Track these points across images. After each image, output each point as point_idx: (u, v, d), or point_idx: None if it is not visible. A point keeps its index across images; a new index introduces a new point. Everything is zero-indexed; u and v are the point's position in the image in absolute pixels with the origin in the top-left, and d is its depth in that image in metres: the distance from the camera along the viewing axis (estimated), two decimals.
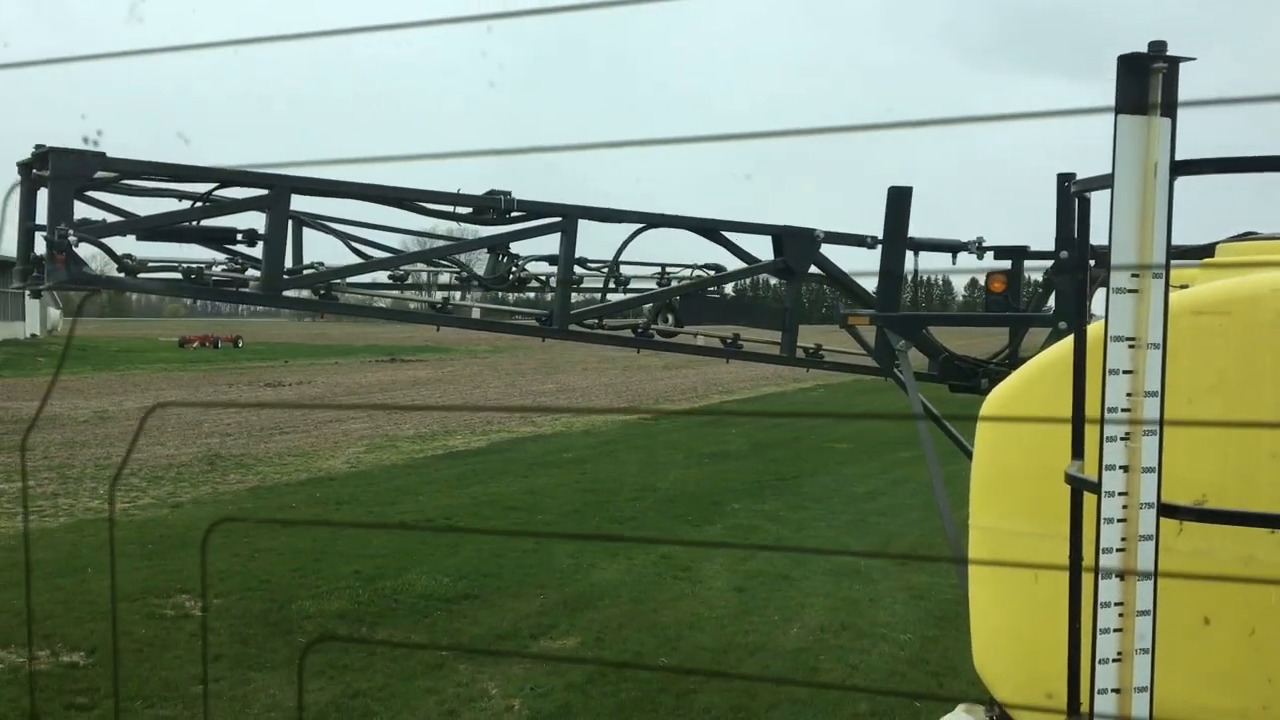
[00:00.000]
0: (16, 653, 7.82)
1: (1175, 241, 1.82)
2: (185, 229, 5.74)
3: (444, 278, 6.81)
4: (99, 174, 5.31)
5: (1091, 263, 4.55)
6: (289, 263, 6.02)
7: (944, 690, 7.31)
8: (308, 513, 13.40)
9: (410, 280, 6.68)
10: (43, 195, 5.28)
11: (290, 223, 5.91)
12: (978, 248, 6.83)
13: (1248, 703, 2.69)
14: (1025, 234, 6.51)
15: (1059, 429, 2.14)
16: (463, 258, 6.73)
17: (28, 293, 5.73)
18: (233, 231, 5.82)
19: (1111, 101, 1.78)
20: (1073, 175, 5.11)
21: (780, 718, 6.91)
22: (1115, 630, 1.86)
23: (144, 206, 5.70)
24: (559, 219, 6.20)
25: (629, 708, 7.00)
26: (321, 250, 6.36)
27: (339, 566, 10.33)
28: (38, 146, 5.26)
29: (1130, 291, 1.82)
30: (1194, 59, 1.80)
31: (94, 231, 5.28)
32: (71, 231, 5.12)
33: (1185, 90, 1.78)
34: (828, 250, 6.71)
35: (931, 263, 6.82)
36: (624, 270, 7.26)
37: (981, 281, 6.80)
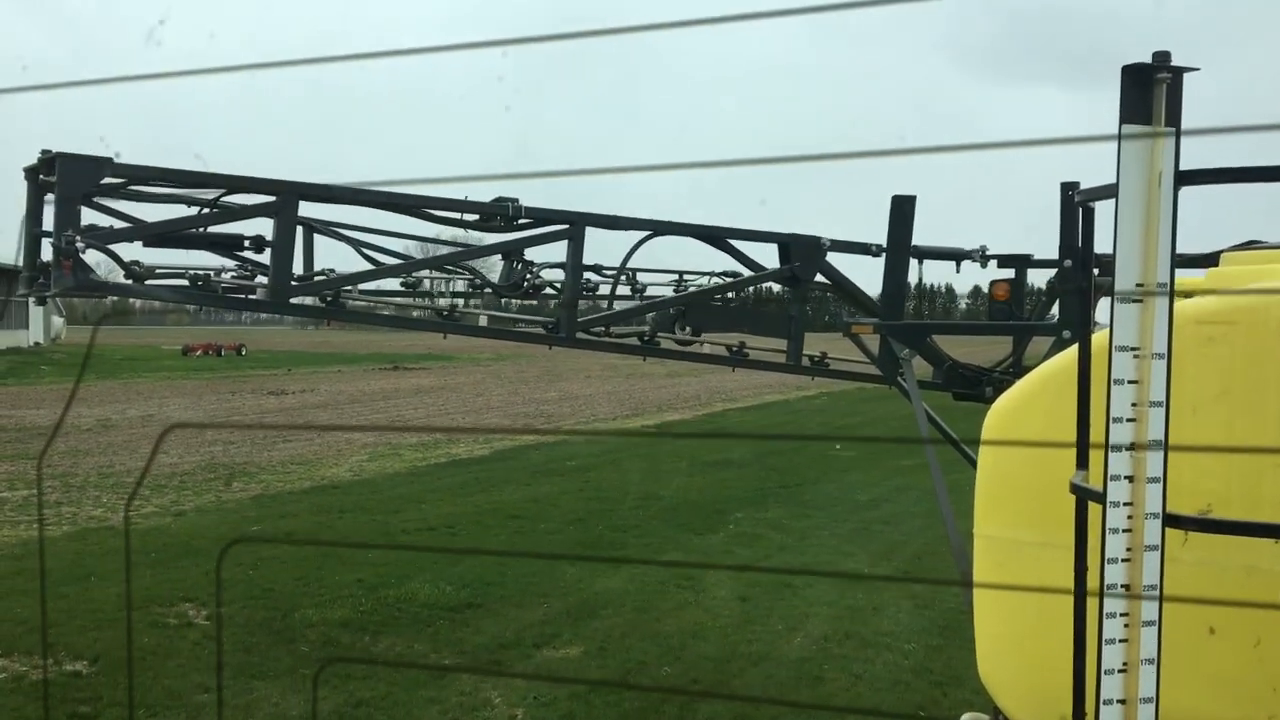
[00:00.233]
0: (19, 661, 7.83)
1: (1180, 250, 1.82)
2: (193, 235, 5.73)
3: (457, 285, 6.82)
4: (106, 180, 5.31)
5: (1096, 271, 4.57)
6: (300, 270, 6.02)
7: (948, 699, 7.29)
8: (311, 521, 13.39)
9: (423, 287, 6.67)
10: (49, 201, 5.28)
11: (301, 229, 5.90)
12: (981, 256, 6.83)
13: (1253, 713, 2.68)
14: (1032, 242, 6.52)
15: (1064, 438, 2.14)
16: (474, 264, 6.74)
17: (32, 300, 5.71)
18: (240, 238, 5.82)
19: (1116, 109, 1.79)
20: (1077, 184, 5.11)
21: None
22: (1120, 641, 1.86)
23: (151, 213, 5.71)
24: (566, 226, 6.20)
25: (632, 717, 6.99)
26: (333, 258, 6.38)
27: (342, 575, 10.32)
28: (44, 151, 5.25)
29: (1135, 301, 1.82)
30: (1198, 69, 1.81)
31: (101, 238, 5.26)
32: (79, 237, 5.11)
33: (1189, 96, 1.79)
34: (833, 258, 6.71)
35: (936, 271, 6.83)
36: (641, 278, 7.28)
37: (985, 289, 6.81)
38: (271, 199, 5.59)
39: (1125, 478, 1.83)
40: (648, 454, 19.89)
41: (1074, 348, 2.23)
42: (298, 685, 7.45)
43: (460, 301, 6.79)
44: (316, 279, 6.18)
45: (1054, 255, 6.04)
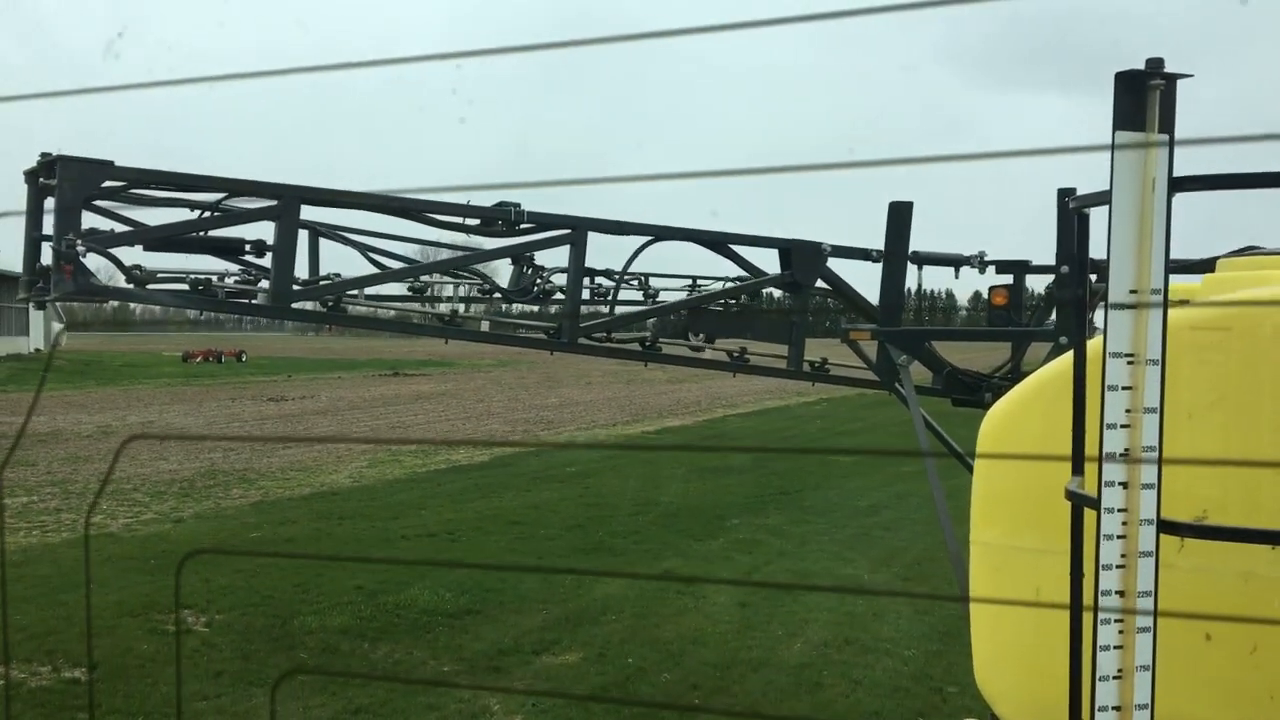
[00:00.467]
0: (18, 669, 7.81)
1: (1175, 256, 1.82)
2: (194, 239, 5.72)
3: (463, 290, 6.81)
4: (107, 183, 5.29)
5: (1093, 277, 4.56)
6: (305, 274, 6.00)
7: (948, 705, 7.27)
8: (310, 527, 13.38)
9: (430, 293, 6.66)
10: (49, 205, 5.25)
11: (307, 234, 5.89)
12: (979, 262, 6.83)
13: (1250, 719, 2.68)
14: (1031, 248, 6.51)
15: (1060, 444, 2.14)
16: (481, 269, 6.73)
17: (32, 305, 5.68)
18: (241, 242, 5.81)
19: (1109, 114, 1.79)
20: (1073, 190, 5.11)
21: None
22: (1116, 647, 1.85)
23: (152, 218, 5.70)
24: (568, 230, 6.20)
25: None
26: (337, 263, 6.37)
27: (341, 581, 10.31)
28: (44, 155, 5.22)
29: (1129, 308, 1.82)
30: (1191, 75, 1.81)
31: (102, 242, 5.24)
32: (79, 242, 5.09)
33: (1184, 99, 1.79)
34: (834, 264, 6.71)
35: (935, 276, 6.82)
36: (653, 283, 7.28)
37: (985, 294, 6.80)
38: (273, 203, 5.58)
39: (1120, 484, 1.83)
40: (647, 459, 19.87)
41: (1069, 353, 2.23)
42: (296, 692, 7.44)
43: (461, 307, 6.79)
44: (319, 283, 6.17)
45: (1052, 261, 6.05)
